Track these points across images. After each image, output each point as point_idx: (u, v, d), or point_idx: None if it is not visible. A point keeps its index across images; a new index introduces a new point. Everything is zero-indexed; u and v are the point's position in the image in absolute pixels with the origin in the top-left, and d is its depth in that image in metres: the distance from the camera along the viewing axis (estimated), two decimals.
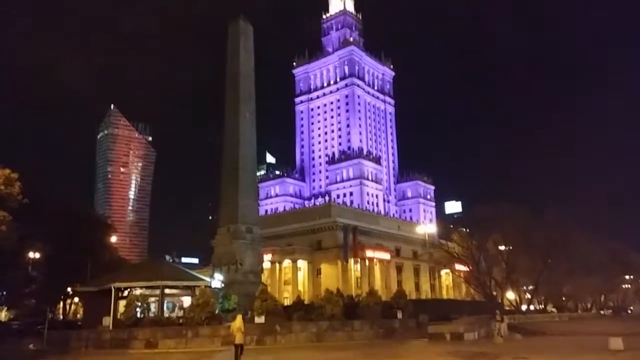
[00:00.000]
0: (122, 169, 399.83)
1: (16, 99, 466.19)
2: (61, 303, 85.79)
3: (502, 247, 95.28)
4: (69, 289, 73.66)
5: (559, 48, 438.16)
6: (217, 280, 51.91)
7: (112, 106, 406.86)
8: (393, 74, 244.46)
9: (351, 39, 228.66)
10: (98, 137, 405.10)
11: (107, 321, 42.27)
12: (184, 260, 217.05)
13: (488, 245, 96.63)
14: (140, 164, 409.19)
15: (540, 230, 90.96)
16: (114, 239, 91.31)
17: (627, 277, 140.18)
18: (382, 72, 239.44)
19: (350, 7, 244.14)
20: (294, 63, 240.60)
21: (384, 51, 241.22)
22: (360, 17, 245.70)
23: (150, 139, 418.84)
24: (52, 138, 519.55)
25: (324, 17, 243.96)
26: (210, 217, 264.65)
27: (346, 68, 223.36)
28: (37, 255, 66.37)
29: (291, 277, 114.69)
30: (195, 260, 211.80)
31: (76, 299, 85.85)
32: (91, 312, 46.82)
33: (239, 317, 27.72)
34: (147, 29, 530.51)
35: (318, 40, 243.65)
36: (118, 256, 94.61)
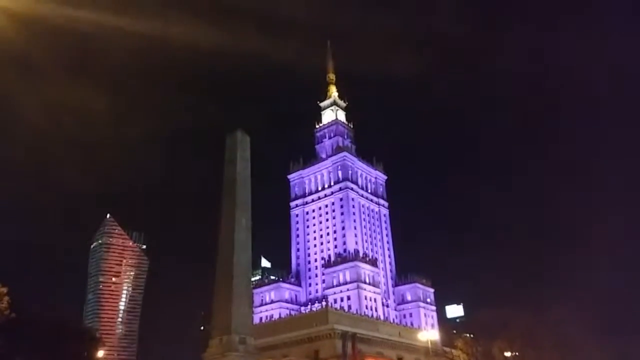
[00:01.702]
0: (114, 279, 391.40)
1: (13, 205, 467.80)
2: None
3: (507, 354, 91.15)
4: None
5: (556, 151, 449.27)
6: None
7: (107, 215, 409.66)
8: (385, 177, 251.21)
9: (343, 146, 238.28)
10: (92, 246, 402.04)
11: None
12: None
13: (494, 351, 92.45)
14: (132, 274, 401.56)
15: (546, 331, 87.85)
16: (101, 353, 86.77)
17: None
18: (374, 176, 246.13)
19: (342, 117, 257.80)
20: (289, 169, 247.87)
21: (375, 156, 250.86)
22: (352, 126, 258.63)
23: (144, 247, 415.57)
24: (45, 247, 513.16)
25: (317, 126, 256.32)
26: (202, 328, 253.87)
27: (340, 173, 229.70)
28: None
29: None
30: None
31: None
32: None
33: None
34: (149, 134, 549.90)
35: (312, 147, 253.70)
36: None
